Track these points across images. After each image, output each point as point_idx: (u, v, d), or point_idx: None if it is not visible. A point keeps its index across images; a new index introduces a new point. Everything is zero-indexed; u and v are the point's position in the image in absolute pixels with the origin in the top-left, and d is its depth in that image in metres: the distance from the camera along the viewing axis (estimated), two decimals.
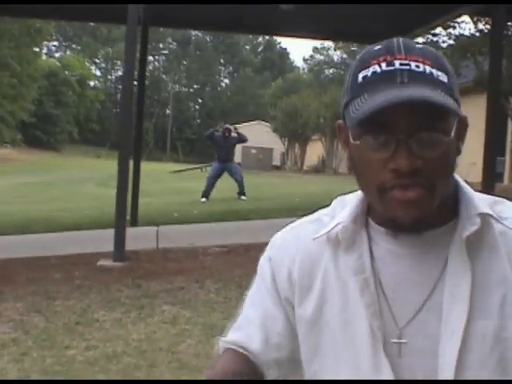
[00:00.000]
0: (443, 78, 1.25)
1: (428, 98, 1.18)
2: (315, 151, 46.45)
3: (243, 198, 17.99)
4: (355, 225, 1.40)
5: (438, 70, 1.25)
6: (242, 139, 18.89)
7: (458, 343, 1.28)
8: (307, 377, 1.45)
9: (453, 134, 1.26)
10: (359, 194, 1.44)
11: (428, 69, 1.24)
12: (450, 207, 1.35)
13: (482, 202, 1.36)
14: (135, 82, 11.29)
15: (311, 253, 1.45)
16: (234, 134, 18.42)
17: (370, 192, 1.31)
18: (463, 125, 1.32)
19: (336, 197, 1.55)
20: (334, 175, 37.56)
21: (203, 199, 17.50)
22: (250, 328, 1.49)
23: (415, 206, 1.24)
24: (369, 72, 1.25)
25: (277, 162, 54.16)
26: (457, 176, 1.39)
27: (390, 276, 1.36)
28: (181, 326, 6.56)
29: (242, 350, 1.48)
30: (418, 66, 1.22)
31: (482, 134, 8.42)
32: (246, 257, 9.50)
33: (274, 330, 1.47)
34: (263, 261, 1.54)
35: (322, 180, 30.65)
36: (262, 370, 1.47)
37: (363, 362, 1.35)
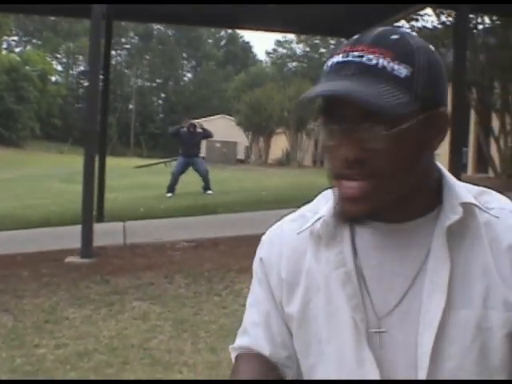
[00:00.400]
0: (401, 71, 1.23)
1: (351, 93, 1.20)
2: (279, 144, 46.53)
3: (209, 192, 17.92)
4: (336, 218, 1.39)
5: (401, 63, 1.23)
6: (207, 135, 18.87)
7: (434, 332, 1.28)
8: (303, 373, 1.45)
9: (405, 126, 1.24)
10: None
11: (382, 62, 1.23)
12: (432, 197, 1.35)
13: (466, 191, 1.37)
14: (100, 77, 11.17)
15: (296, 249, 1.45)
16: (199, 130, 18.38)
17: (329, 179, 1.33)
18: (441, 120, 1.30)
19: (321, 191, 1.53)
20: (299, 168, 37.66)
21: (169, 194, 17.47)
22: (256, 330, 1.48)
23: (357, 202, 1.26)
24: (331, 61, 1.28)
25: (241, 155, 54.17)
26: (440, 166, 1.39)
27: (373, 268, 1.36)
28: (152, 321, 6.53)
29: (254, 352, 1.47)
30: (369, 60, 1.22)
31: None
32: (215, 251, 9.47)
33: (275, 330, 1.47)
34: (256, 262, 1.54)
35: (287, 173, 30.70)
36: (280, 371, 1.46)
37: (347, 355, 1.35)
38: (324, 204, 1.45)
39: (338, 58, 1.26)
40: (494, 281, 1.30)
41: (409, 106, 1.23)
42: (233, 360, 1.53)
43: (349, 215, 1.30)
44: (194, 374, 5.20)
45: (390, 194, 1.28)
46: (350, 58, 1.24)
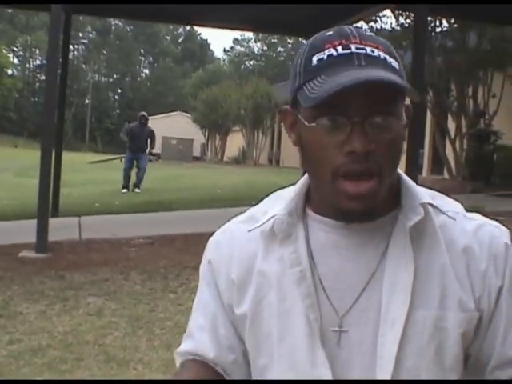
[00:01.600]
0: (395, 64, 1.28)
1: (387, 78, 1.20)
2: (236, 142, 46.46)
3: (137, 190, 17.84)
4: (291, 217, 1.39)
5: (390, 56, 1.28)
6: (153, 133, 18.63)
7: (399, 332, 1.29)
8: (254, 374, 1.43)
9: (404, 119, 1.30)
10: (296, 187, 1.45)
11: (382, 54, 1.26)
12: (392, 197, 1.36)
13: (424, 193, 1.38)
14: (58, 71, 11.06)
15: (246, 250, 1.44)
16: (149, 125, 18.36)
17: (323, 178, 1.30)
18: (408, 112, 1.35)
19: (269, 194, 1.54)
20: (255, 166, 37.66)
21: (124, 190, 17.42)
22: (201, 334, 1.46)
23: (364, 199, 1.26)
24: (324, 55, 1.26)
25: (197, 152, 53.98)
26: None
27: (329, 267, 1.35)
28: (107, 318, 6.49)
29: (199, 359, 1.45)
30: (372, 51, 1.25)
31: None
32: (171, 248, 9.45)
33: (222, 333, 1.45)
34: (203, 264, 1.52)
35: (243, 171, 30.70)
36: (226, 376, 1.45)
37: (300, 355, 1.34)
38: (273, 205, 1.44)
39: (338, 51, 1.25)
40: (450, 282, 1.32)
41: (407, 89, 1.26)
42: (177, 366, 1.50)
43: (352, 213, 1.30)
44: (149, 371, 5.19)
45: (384, 191, 1.30)
46: (354, 50, 1.25)
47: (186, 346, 1.49)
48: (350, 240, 1.35)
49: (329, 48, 1.26)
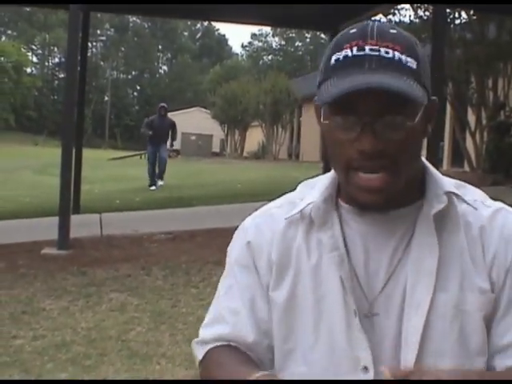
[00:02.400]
0: (412, 64, 1.29)
1: (388, 86, 1.24)
2: (255, 137, 46.48)
3: (160, 182, 17.76)
4: (326, 205, 1.43)
5: (408, 56, 1.29)
6: (174, 125, 18.46)
7: (423, 317, 1.32)
8: (277, 357, 1.45)
9: (418, 118, 1.30)
10: (328, 175, 1.48)
11: (397, 55, 1.28)
12: (417, 188, 1.41)
13: (448, 181, 1.43)
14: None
15: (286, 234, 1.47)
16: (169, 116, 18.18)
17: (338, 169, 1.36)
18: (433, 107, 1.38)
19: (299, 182, 1.58)
20: (274, 161, 37.65)
21: (152, 187, 17.26)
22: (238, 319, 1.47)
23: (377, 193, 1.30)
24: (341, 55, 1.30)
25: (216, 148, 54.08)
26: (423, 158, 1.44)
27: (359, 254, 1.40)
28: (129, 313, 6.51)
29: (234, 344, 1.46)
30: (387, 52, 1.27)
31: None
32: (192, 243, 9.47)
33: (261, 317, 1.47)
34: (241, 246, 1.53)
35: (263, 166, 30.70)
36: (258, 363, 1.45)
37: (338, 337, 1.37)
38: (309, 192, 1.48)
39: (353, 53, 1.29)
40: (468, 265, 1.36)
41: (424, 96, 1.31)
42: (199, 356, 1.49)
43: (366, 204, 1.35)
44: (172, 366, 5.21)
45: (400, 185, 1.33)
46: (367, 52, 1.28)
47: (217, 330, 1.49)
48: (377, 229, 1.39)
49: (346, 48, 1.30)
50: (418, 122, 1.31)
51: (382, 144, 1.27)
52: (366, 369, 1.34)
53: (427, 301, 1.32)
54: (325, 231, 1.42)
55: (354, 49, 1.28)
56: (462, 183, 1.48)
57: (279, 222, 1.49)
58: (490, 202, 1.44)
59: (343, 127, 1.30)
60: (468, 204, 1.41)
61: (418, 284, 1.33)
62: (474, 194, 1.46)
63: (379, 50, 1.27)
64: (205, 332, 1.51)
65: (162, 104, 18.32)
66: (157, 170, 17.83)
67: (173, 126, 18.27)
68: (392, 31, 1.32)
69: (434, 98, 1.37)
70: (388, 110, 1.27)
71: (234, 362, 1.42)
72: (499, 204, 1.45)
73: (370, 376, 1.34)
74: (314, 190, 1.47)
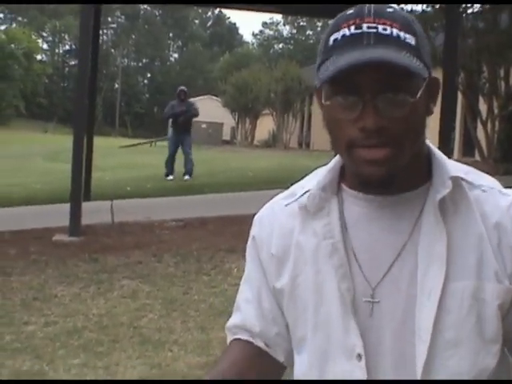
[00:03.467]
0: (411, 40, 1.29)
1: (388, 59, 1.23)
2: (266, 126, 46.42)
3: (187, 177, 16.92)
4: (324, 192, 1.43)
5: (407, 32, 1.29)
6: (195, 111, 17.63)
7: (435, 304, 1.30)
8: (294, 347, 1.48)
9: (419, 94, 1.30)
10: (330, 163, 1.50)
11: (395, 31, 1.28)
12: (423, 172, 1.39)
13: (455, 166, 1.40)
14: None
15: (285, 225, 1.49)
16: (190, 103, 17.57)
17: (340, 150, 1.36)
18: (435, 85, 1.38)
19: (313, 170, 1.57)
20: (285, 150, 37.59)
21: (169, 177, 16.72)
22: (248, 308, 1.53)
23: (381, 165, 1.29)
24: (339, 35, 1.30)
25: (227, 136, 54.06)
26: (429, 142, 1.42)
27: (362, 239, 1.39)
28: (141, 300, 6.52)
29: (246, 337, 1.52)
30: (385, 29, 1.27)
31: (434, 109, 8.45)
32: (203, 230, 9.46)
33: (265, 306, 1.51)
34: (249, 240, 1.58)
35: (273, 154, 30.67)
36: (271, 351, 1.51)
37: (334, 324, 1.38)
38: (311, 180, 1.48)
39: (351, 31, 1.28)
40: (486, 253, 1.33)
41: (425, 71, 1.30)
42: (228, 342, 1.56)
43: (371, 179, 1.32)
44: (184, 353, 5.21)
45: (404, 160, 1.31)
46: (364, 30, 1.27)
47: (234, 319, 1.56)
48: (382, 213, 1.38)
49: (344, 28, 1.29)
50: (420, 99, 1.30)
51: (384, 121, 1.26)
52: (359, 356, 1.34)
53: (439, 288, 1.30)
54: (319, 219, 1.42)
55: (352, 27, 1.28)
56: (473, 169, 1.45)
57: (279, 214, 1.51)
58: (506, 190, 1.41)
59: (344, 106, 1.29)
60: (483, 191, 1.38)
61: (429, 270, 1.32)
62: (488, 181, 1.42)
63: (377, 27, 1.27)
64: (229, 319, 1.59)
65: (182, 87, 17.76)
66: (183, 166, 17.09)
67: (196, 111, 17.58)
68: (389, 10, 1.31)
69: (433, 75, 1.36)
70: (389, 87, 1.26)
71: (226, 360, 1.50)
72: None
73: (362, 364, 1.34)
74: (316, 177, 1.47)
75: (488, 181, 1.42)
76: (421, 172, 1.38)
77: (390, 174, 1.30)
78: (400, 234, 1.35)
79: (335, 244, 1.38)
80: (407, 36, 1.28)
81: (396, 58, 1.23)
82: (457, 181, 1.35)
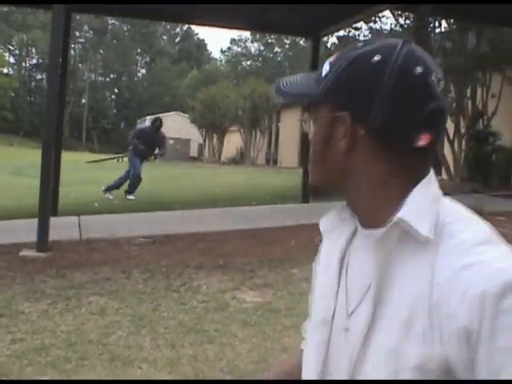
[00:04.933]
0: (325, 69, 1.35)
1: (280, 89, 1.38)
2: (233, 142, 46.49)
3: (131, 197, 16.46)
4: (343, 212, 1.43)
5: (331, 62, 1.35)
6: (164, 142, 17.47)
7: (356, 350, 1.28)
8: None
9: (318, 115, 1.36)
10: None
11: (325, 64, 1.37)
12: (391, 210, 1.28)
13: (409, 210, 1.27)
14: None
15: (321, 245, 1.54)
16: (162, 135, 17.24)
17: None
18: (341, 122, 1.31)
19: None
20: (252, 166, 37.64)
21: (131, 197, 16.31)
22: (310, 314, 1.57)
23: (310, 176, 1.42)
24: None
25: (194, 153, 54.02)
26: (421, 185, 1.31)
27: (352, 269, 1.38)
28: (109, 317, 6.45)
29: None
30: (323, 63, 1.38)
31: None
32: (172, 247, 9.42)
33: None
34: None
35: (241, 171, 30.65)
36: None
37: (311, 338, 1.44)
38: None
39: None
40: (421, 311, 1.21)
41: (315, 96, 1.34)
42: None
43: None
44: (154, 370, 5.16)
45: (316, 179, 1.39)
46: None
47: (305, 322, 1.65)
48: (367, 245, 1.34)
49: None
50: (320, 122, 1.35)
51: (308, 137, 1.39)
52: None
53: (361, 336, 1.27)
54: (326, 241, 1.47)
55: None
56: (469, 218, 1.29)
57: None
58: (478, 247, 1.20)
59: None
60: (452, 246, 1.22)
61: (359, 315, 1.29)
62: (464, 232, 1.24)
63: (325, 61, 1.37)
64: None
65: (159, 116, 17.73)
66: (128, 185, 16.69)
67: (164, 140, 17.41)
68: (357, 45, 1.34)
69: (343, 113, 1.30)
70: (305, 111, 1.37)
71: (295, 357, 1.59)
72: (486, 251, 1.20)
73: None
74: None
75: (464, 233, 1.24)
76: (388, 210, 1.28)
77: (311, 185, 1.38)
78: (369, 271, 1.29)
79: (330, 266, 1.42)
80: (325, 66, 1.34)
81: (285, 88, 1.38)
82: (400, 223, 1.24)
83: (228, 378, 5.06)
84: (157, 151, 17.36)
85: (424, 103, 1.27)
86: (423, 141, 1.28)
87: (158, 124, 17.10)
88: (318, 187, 1.39)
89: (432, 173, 1.35)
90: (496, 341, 1.12)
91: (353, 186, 1.33)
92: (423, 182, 1.30)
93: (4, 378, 5.04)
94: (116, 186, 16.64)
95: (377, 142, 1.29)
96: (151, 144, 16.75)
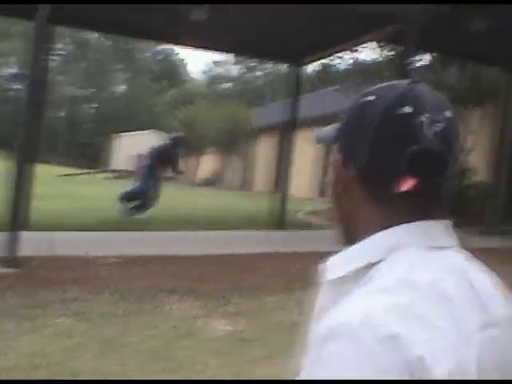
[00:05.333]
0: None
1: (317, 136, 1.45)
2: (210, 164, 46.42)
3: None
4: None
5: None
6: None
7: None
8: None
9: (333, 159, 1.35)
10: None
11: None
12: None
13: (353, 254, 1.24)
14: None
15: None
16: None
17: None
18: (336, 166, 1.34)
19: None
20: (227, 189, 37.54)
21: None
22: None
23: None
24: None
25: (170, 173, 53.82)
26: (393, 229, 1.22)
27: None
28: (76, 339, 6.25)
29: None
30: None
31: None
32: (144, 268, 9.24)
33: None
34: None
35: (216, 194, 30.56)
36: None
37: None
38: None
39: None
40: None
41: (330, 140, 1.38)
42: None
43: None
44: None
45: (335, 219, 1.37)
46: None
47: None
48: None
49: None
50: (334, 174, 1.34)
51: None
52: None
53: None
54: None
55: None
56: (406, 280, 1.13)
57: None
58: (367, 294, 1.12)
59: None
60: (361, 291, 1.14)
61: None
62: (379, 280, 1.15)
63: None
64: None
65: (182, 134, 17.53)
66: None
67: (177, 157, 17.15)
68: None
69: (338, 157, 1.34)
70: None
71: None
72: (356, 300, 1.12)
73: None
74: None
75: (377, 283, 1.13)
76: None
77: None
78: None
79: None
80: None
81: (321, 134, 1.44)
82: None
83: None
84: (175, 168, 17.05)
85: (404, 146, 1.18)
86: (406, 186, 1.19)
87: (178, 141, 17.01)
88: (339, 230, 1.36)
89: (430, 222, 1.23)
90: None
91: (354, 228, 1.29)
92: (398, 228, 1.21)
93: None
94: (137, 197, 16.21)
95: (364, 185, 1.26)
96: (166, 162, 16.48)
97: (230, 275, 9.12)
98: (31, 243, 9.83)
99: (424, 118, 1.19)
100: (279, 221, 14.70)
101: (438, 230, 1.23)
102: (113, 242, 11.65)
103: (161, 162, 16.38)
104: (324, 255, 1.31)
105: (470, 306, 1.14)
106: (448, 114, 1.23)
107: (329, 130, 1.40)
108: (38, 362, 5.59)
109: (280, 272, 9.22)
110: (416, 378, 1.01)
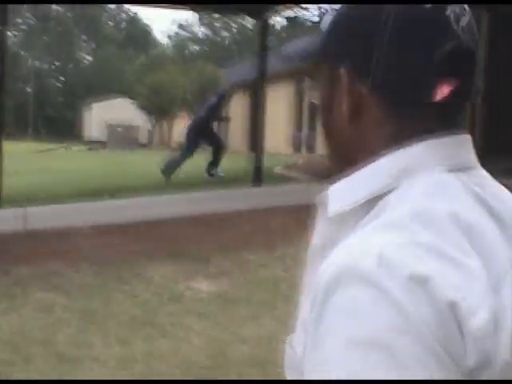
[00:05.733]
0: (325, 21, 1.10)
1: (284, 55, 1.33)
2: (183, 127, 46.21)
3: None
4: None
5: (332, 18, 1.09)
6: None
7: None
8: None
9: (320, 89, 1.12)
10: None
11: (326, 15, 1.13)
12: None
13: (360, 182, 1.03)
14: None
15: None
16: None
17: None
18: (339, 79, 1.05)
19: None
20: (203, 151, 37.37)
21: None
22: None
23: None
24: None
25: (143, 139, 53.48)
26: (404, 150, 1.01)
27: None
28: (57, 314, 6.13)
29: None
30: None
31: None
32: (122, 237, 9.08)
33: None
34: None
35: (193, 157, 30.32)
36: None
37: None
38: None
39: None
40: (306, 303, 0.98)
41: (312, 53, 1.14)
42: None
43: None
44: (106, 370, 4.86)
45: (328, 152, 1.14)
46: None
47: None
48: None
49: None
50: (319, 95, 1.11)
51: None
52: None
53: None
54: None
55: None
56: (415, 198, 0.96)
57: None
58: (373, 231, 0.92)
59: None
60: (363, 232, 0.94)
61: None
62: (391, 212, 0.95)
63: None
64: None
65: (226, 89, 18.17)
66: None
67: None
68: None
69: (341, 70, 1.04)
70: None
71: None
72: (357, 240, 0.92)
73: None
74: None
75: (389, 215, 0.94)
76: None
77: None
78: None
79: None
80: (325, 17, 1.10)
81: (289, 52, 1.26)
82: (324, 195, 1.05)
83: (182, 374, 4.78)
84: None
85: (438, 44, 0.98)
86: (441, 93, 0.98)
87: (222, 97, 17.44)
88: (331, 165, 1.11)
89: (456, 137, 1.02)
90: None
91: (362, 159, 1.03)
92: (415, 146, 0.99)
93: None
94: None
95: (382, 100, 1.01)
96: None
97: (210, 235, 8.99)
98: (5, 220, 9.64)
99: (449, 11, 0.99)
100: (256, 177, 14.58)
101: (464, 145, 1.04)
102: (89, 212, 11.46)
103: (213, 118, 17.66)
104: (303, 208, 1.14)
105: (497, 240, 0.94)
106: (466, 6, 1.03)
107: (302, 42, 1.16)
108: (18, 341, 5.46)
109: (260, 228, 9.10)
110: (448, 331, 0.82)
